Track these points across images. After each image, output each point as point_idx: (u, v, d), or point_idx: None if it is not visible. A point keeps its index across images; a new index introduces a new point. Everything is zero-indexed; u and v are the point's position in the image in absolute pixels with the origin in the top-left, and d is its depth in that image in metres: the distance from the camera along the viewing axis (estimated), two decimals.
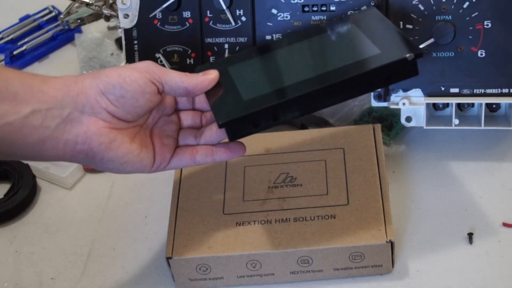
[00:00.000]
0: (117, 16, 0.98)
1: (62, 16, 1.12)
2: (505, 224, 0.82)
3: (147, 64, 0.70)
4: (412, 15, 0.84)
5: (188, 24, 0.89)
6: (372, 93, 0.85)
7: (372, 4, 0.85)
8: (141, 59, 0.90)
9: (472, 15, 0.83)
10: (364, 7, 0.85)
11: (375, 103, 0.86)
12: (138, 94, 0.69)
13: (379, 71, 0.71)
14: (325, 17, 0.86)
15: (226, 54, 0.88)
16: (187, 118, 0.76)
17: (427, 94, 0.85)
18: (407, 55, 0.71)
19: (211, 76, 0.72)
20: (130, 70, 0.69)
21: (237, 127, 0.71)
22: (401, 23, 0.84)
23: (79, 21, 1.11)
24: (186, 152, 0.73)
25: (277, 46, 0.80)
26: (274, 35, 0.87)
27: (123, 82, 0.68)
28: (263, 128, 0.71)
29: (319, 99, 0.71)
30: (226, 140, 0.73)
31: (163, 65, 0.89)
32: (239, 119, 0.70)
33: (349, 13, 0.84)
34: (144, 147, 0.71)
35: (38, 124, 0.66)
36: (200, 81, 0.71)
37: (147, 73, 0.69)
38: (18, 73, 0.67)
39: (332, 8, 0.86)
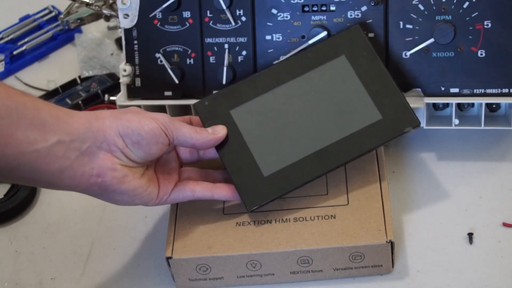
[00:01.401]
0: (117, 16, 0.98)
1: (62, 16, 1.12)
2: (505, 224, 0.82)
3: (164, 117, 0.75)
4: (412, 15, 0.84)
5: (188, 24, 0.89)
6: None
7: (372, 4, 0.85)
8: (141, 59, 0.90)
9: (472, 15, 0.83)
10: (365, 7, 0.85)
11: None
12: (152, 143, 0.73)
13: (379, 145, 0.79)
14: (325, 17, 0.86)
15: (226, 54, 0.88)
16: (185, 152, 0.81)
17: (427, 94, 0.85)
18: (406, 129, 0.78)
19: (219, 135, 0.78)
20: (149, 120, 0.73)
21: (263, 205, 0.78)
22: (401, 23, 0.84)
23: (79, 21, 1.11)
24: (187, 185, 0.78)
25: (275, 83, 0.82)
26: (274, 35, 0.87)
27: (141, 130, 0.73)
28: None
29: (328, 171, 0.79)
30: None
31: (163, 65, 0.89)
32: (267, 202, 0.78)
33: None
34: (152, 181, 0.76)
35: (60, 154, 0.69)
36: (208, 140, 0.77)
37: (163, 125, 0.74)
38: (47, 104, 0.71)
39: (332, 8, 0.86)
